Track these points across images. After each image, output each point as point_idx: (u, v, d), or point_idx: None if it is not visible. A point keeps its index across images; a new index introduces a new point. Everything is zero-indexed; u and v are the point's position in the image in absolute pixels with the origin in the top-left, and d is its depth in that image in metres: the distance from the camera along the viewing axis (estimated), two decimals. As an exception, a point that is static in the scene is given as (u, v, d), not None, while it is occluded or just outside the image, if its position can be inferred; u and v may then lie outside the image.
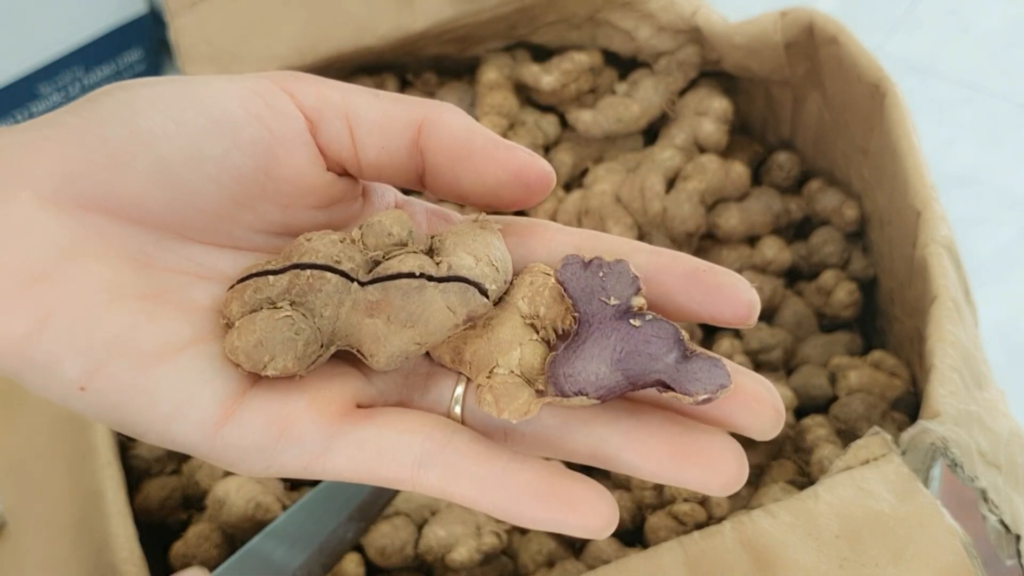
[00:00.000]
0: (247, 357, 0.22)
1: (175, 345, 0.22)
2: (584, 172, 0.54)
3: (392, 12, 0.52)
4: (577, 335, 0.23)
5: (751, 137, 0.57)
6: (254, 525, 0.39)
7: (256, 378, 0.23)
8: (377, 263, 0.24)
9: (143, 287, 0.22)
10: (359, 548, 0.40)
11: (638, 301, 0.23)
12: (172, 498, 0.42)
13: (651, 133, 0.55)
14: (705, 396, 0.22)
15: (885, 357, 0.45)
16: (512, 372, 0.23)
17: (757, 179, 0.54)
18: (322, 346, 0.23)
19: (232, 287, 0.24)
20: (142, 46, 0.71)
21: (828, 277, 0.49)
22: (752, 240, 0.51)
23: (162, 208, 0.23)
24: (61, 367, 0.21)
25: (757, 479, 0.42)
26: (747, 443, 0.42)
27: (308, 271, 0.23)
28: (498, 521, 0.41)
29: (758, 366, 0.47)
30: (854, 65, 0.46)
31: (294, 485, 0.42)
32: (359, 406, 0.24)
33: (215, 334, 0.23)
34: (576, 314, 0.23)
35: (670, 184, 0.51)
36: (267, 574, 0.34)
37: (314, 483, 0.42)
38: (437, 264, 0.23)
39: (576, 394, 0.23)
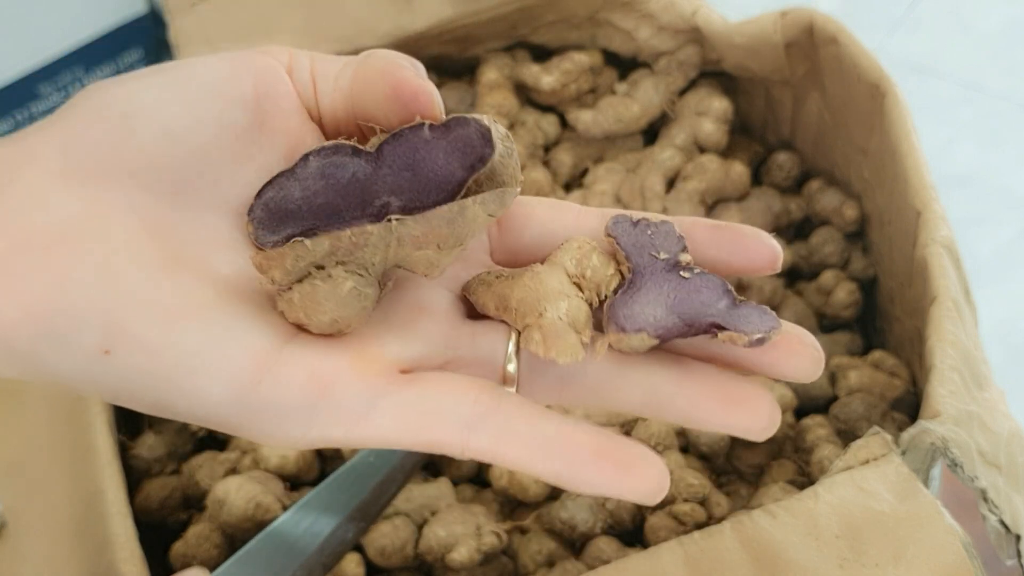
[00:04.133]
0: (320, 330, 0.23)
1: (201, 303, 0.22)
2: (584, 172, 0.54)
3: (392, 12, 0.52)
4: (632, 283, 0.24)
5: (751, 137, 0.57)
6: (254, 525, 0.39)
7: (291, 334, 0.23)
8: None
9: (161, 252, 0.22)
10: (359, 548, 0.40)
11: (685, 257, 0.24)
12: (172, 498, 0.42)
13: (651, 133, 0.55)
14: (760, 335, 0.23)
15: (885, 357, 0.45)
16: (560, 319, 0.23)
17: (757, 179, 0.54)
18: (380, 286, 0.24)
19: (263, 251, 0.23)
20: (142, 46, 0.71)
21: (828, 277, 0.49)
22: (752, 240, 0.51)
23: (167, 171, 0.22)
24: (82, 332, 0.20)
25: (757, 479, 0.42)
26: (747, 443, 0.42)
27: (348, 231, 0.23)
28: (498, 521, 0.41)
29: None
30: (854, 65, 0.46)
31: (294, 485, 0.42)
32: (403, 372, 0.23)
33: (240, 296, 0.23)
34: (629, 264, 0.24)
35: (670, 184, 0.51)
36: (267, 574, 0.34)
37: (314, 483, 0.42)
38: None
39: (637, 332, 0.23)
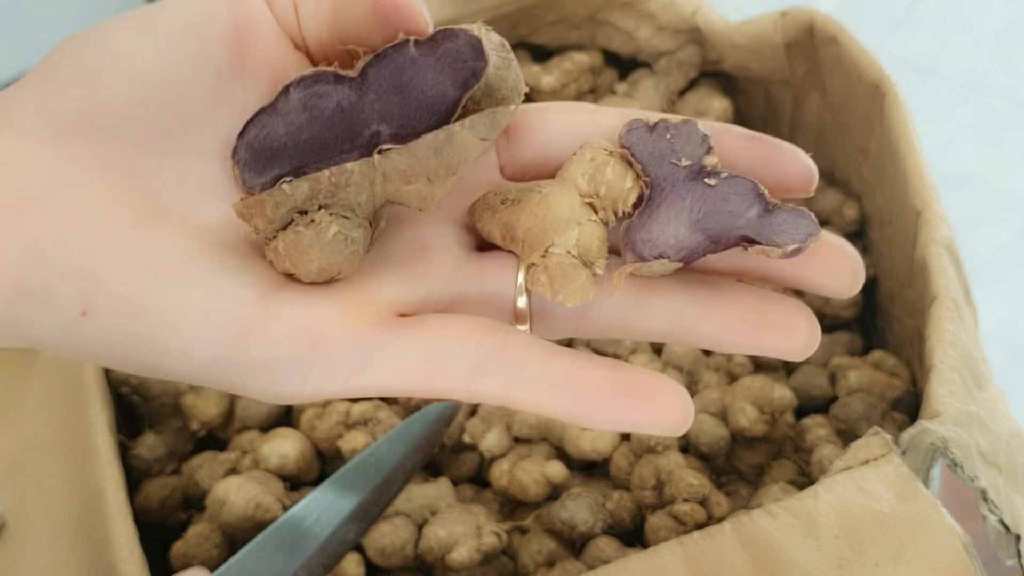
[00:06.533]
0: (310, 279, 0.21)
1: (182, 258, 0.20)
2: (584, 172, 0.54)
3: (392, 12, 0.52)
4: (650, 200, 0.22)
5: (751, 137, 0.57)
6: (254, 525, 0.39)
7: (280, 283, 0.22)
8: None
9: (139, 207, 0.21)
10: (359, 548, 0.40)
11: (711, 160, 0.22)
12: (172, 498, 0.42)
13: (651, 133, 0.55)
14: (795, 246, 0.21)
15: (885, 357, 0.45)
16: (568, 253, 0.22)
17: (757, 179, 0.54)
18: (371, 225, 0.22)
19: (242, 200, 0.22)
20: (142, 46, 0.71)
21: (828, 277, 0.49)
22: (752, 240, 0.51)
23: (146, 119, 0.21)
24: (59, 294, 0.19)
25: (757, 479, 0.42)
26: (747, 443, 0.42)
27: (327, 172, 0.21)
28: (498, 521, 0.41)
29: (758, 366, 0.47)
30: (854, 65, 0.46)
31: (294, 485, 0.42)
32: (402, 315, 0.22)
33: (226, 246, 0.22)
34: (646, 179, 0.22)
35: (670, 184, 0.51)
36: (267, 574, 0.34)
37: (314, 483, 0.42)
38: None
39: (657, 258, 0.21)
